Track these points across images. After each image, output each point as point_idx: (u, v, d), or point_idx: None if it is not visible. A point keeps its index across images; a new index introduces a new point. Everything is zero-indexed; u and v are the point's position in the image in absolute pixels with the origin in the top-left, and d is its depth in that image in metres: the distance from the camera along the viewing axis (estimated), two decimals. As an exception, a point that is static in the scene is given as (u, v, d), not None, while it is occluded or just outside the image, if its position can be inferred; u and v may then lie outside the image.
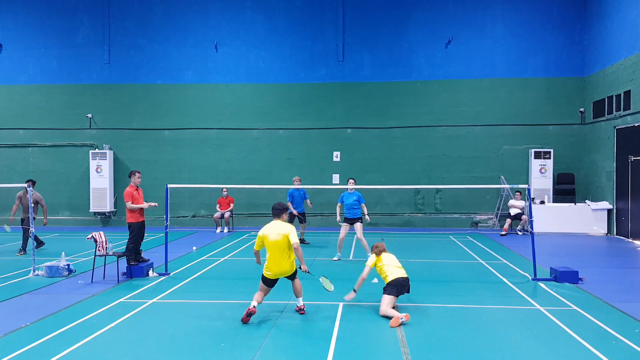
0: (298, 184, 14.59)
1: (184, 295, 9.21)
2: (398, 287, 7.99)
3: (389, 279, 8.03)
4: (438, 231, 18.13)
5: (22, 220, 13.69)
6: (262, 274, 7.81)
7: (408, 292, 8.29)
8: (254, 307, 7.47)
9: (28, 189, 11.71)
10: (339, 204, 12.75)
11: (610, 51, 16.90)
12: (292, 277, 7.94)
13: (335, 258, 12.66)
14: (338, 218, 12.79)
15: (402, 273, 8.17)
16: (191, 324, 7.45)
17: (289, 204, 14.65)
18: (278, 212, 7.85)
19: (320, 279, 8.39)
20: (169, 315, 7.94)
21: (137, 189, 10.99)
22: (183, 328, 7.28)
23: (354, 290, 8.40)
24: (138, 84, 20.12)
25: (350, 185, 12.59)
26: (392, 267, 8.16)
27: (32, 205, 11.79)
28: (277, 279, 7.85)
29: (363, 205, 12.58)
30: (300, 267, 7.86)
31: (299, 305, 7.98)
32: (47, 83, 20.32)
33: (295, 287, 7.99)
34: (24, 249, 13.78)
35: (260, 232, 7.78)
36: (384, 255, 8.38)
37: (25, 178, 18.50)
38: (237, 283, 10.22)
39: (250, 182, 18.99)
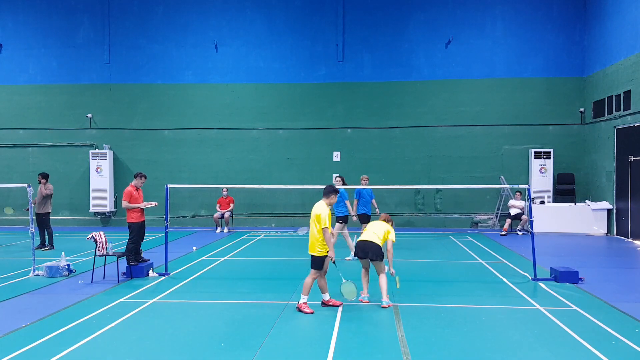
0: (366, 183, 13.34)
1: (184, 295, 9.21)
2: (357, 250, 8.37)
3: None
4: (438, 231, 18.12)
5: (37, 214, 13.72)
6: None
7: (371, 258, 8.27)
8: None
9: (28, 188, 11.69)
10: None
11: (610, 51, 16.89)
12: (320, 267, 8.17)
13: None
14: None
15: (368, 236, 8.39)
16: (191, 324, 7.45)
17: (355, 202, 13.38)
18: (325, 192, 8.22)
19: (343, 285, 8.31)
20: (169, 315, 7.94)
21: (137, 190, 11.03)
22: (183, 328, 7.28)
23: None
24: (138, 84, 20.11)
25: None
26: (366, 232, 8.54)
27: (32, 204, 11.76)
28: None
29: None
30: (332, 260, 8.04)
31: (324, 300, 8.29)
32: (47, 83, 20.30)
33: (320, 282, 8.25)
34: (50, 243, 13.87)
35: None
36: (372, 223, 8.85)
37: (26, 178, 18.55)
38: (237, 283, 10.22)
39: (250, 182, 18.97)
